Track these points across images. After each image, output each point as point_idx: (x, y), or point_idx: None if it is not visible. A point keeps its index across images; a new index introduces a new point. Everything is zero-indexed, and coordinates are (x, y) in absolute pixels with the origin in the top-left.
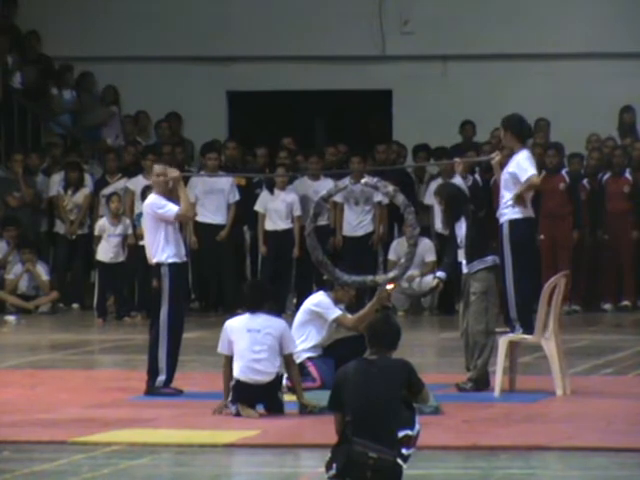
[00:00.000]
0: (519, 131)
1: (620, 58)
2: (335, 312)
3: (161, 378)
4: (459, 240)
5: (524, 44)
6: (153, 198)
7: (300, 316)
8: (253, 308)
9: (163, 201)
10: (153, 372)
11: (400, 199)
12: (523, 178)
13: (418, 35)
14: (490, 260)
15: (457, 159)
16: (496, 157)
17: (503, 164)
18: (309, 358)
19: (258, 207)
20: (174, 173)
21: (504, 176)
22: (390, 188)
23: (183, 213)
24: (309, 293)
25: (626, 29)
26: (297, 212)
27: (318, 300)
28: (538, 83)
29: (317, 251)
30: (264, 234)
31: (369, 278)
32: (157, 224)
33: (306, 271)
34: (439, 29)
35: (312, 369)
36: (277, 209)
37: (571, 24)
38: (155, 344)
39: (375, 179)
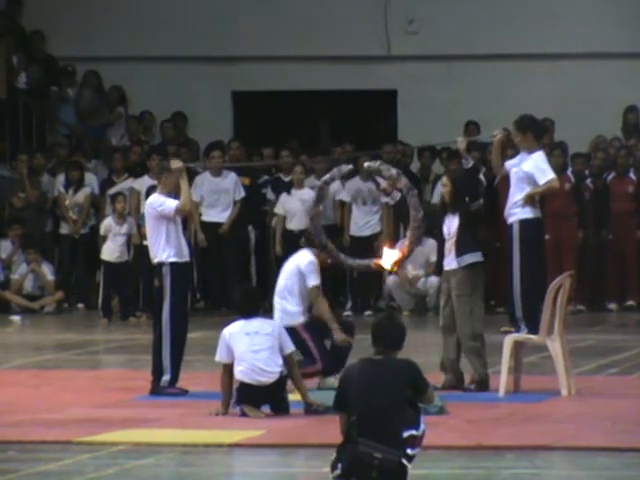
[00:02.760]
0: (537, 131)
1: (624, 58)
2: (315, 280)
3: (166, 377)
4: (445, 233)
5: (529, 44)
6: (152, 197)
7: (288, 276)
8: (248, 314)
9: (162, 198)
10: (158, 372)
11: (403, 182)
12: (541, 180)
13: (423, 35)
14: (479, 255)
15: (459, 137)
16: (498, 135)
17: (504, 144)
18: (304, 326)
19: (277, 209)
20: (177, 164)
21: (517, 175)
22: (393, 171)
23: (182, 207)
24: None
25: (631, 29)
26: None
27: (308, 261)
28: (543, 83)
29: (321, 235)
30: (282, 234)
31: (374, 261)
32: (158, 223)
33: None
34: (444, 29)
35: (310, 344)
36: (294, 208)
37: (576, 24)
38: (159, 344)
39: (377, 162)
